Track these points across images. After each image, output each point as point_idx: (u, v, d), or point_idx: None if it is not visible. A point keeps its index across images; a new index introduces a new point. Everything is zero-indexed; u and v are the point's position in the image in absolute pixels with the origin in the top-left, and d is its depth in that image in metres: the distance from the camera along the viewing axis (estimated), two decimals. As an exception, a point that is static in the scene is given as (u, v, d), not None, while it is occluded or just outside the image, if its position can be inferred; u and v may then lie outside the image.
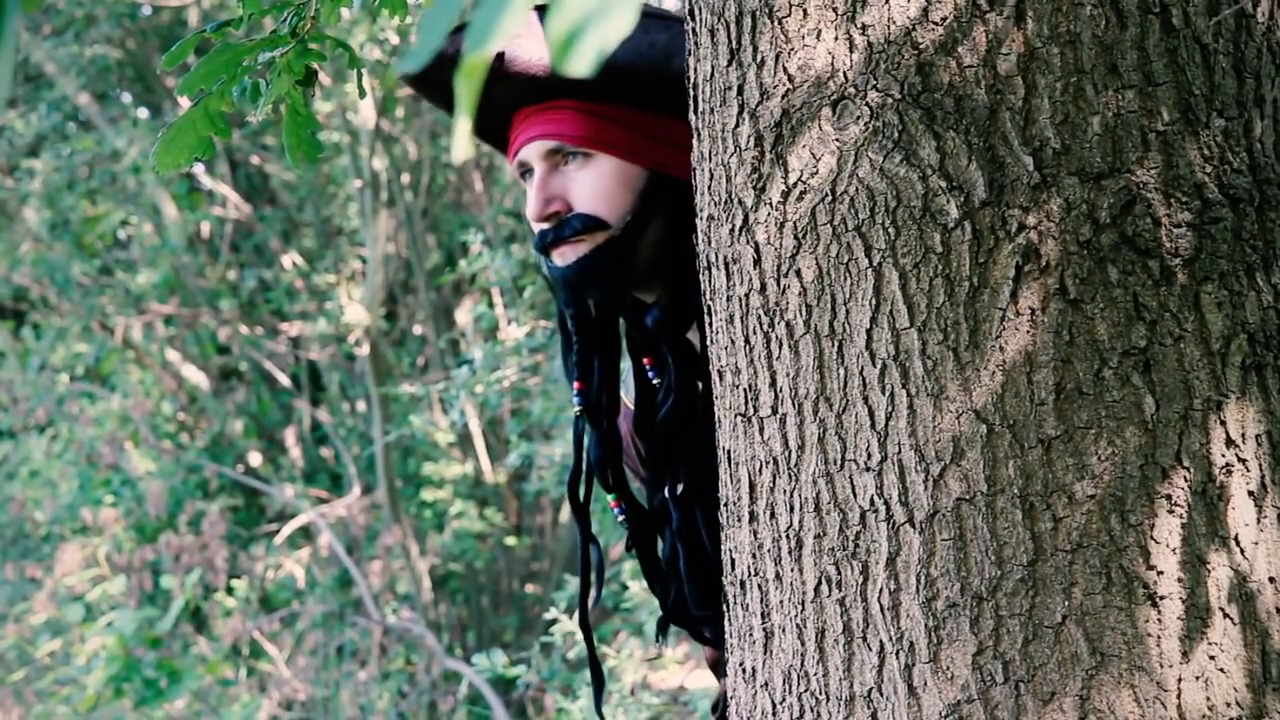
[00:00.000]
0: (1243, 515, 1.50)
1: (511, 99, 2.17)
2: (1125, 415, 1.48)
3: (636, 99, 2.05)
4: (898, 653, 1.53)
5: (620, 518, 2.23)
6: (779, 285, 1.61)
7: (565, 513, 9.02)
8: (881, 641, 1.54)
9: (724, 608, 1.77)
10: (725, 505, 1.74)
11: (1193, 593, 1.47)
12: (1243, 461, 1.50)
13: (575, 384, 2.19)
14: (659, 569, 2.23)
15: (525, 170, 2.19)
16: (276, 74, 2.08)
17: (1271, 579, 1.51)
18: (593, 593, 2.29)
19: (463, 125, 0.84)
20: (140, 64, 10.49)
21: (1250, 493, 1.51)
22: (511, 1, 0.82)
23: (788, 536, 1.62)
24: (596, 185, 2.11)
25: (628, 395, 2.37)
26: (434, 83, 2.17)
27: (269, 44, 2.07)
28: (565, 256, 2.12)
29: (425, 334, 9.59)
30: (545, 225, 2.12)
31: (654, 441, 2.17)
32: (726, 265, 1.69)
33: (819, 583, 1.58)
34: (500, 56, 2.10)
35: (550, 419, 6.65)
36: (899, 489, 1.53)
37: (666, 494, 2.18)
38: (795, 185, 1.59)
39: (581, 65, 0.81)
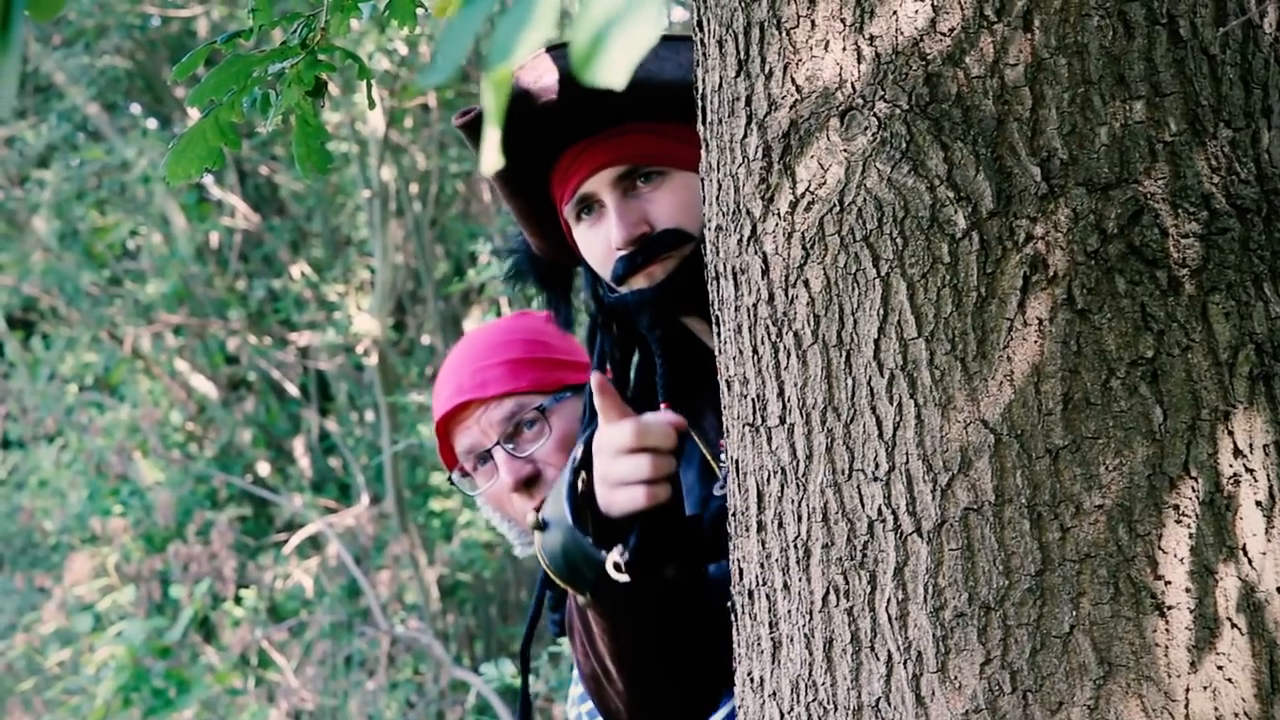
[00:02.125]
0: (1250, 525, 1.50)
1: (563, 134, 2.18)
2: (1133, 425, 1.48)
3: (687, 116, 2.06)
4: (905, 662, 1.53)
5: None
6: (787, 295, 1.62)
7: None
8: (889, 651, 1.54)
9: (731, 618, 1.77)
10: (733, 515, 1.74)
11: (1200, 603, 1.47)
12: (1250, 472, 1.51)
13: (663, 404, 2.19)
14: None
15: (586, 207, 2.20)
16: (286, 85, 2.09)
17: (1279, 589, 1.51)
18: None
19: (491, 135, 0.84)
20: (150, 75, 10.53)
21: (1258, 503, 1.51)
22: (534, 12, 0.82)
23: (795, 546, 1.62)
24: (676, 200, 2.14)
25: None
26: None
27: (279, 55, 2.08)
28: (654, 275, 2.14)
29: (434, 343, 9.60)
30: (631, 249, 2.13)
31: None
32: (734, 275, 1.69)
33: (827, 592, 1.59)
34: (563, 87, 2.11)
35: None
36: (907, 499, 1.53)
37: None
38: (803, 196, 1.60)
39: (608, 75, 0.81)
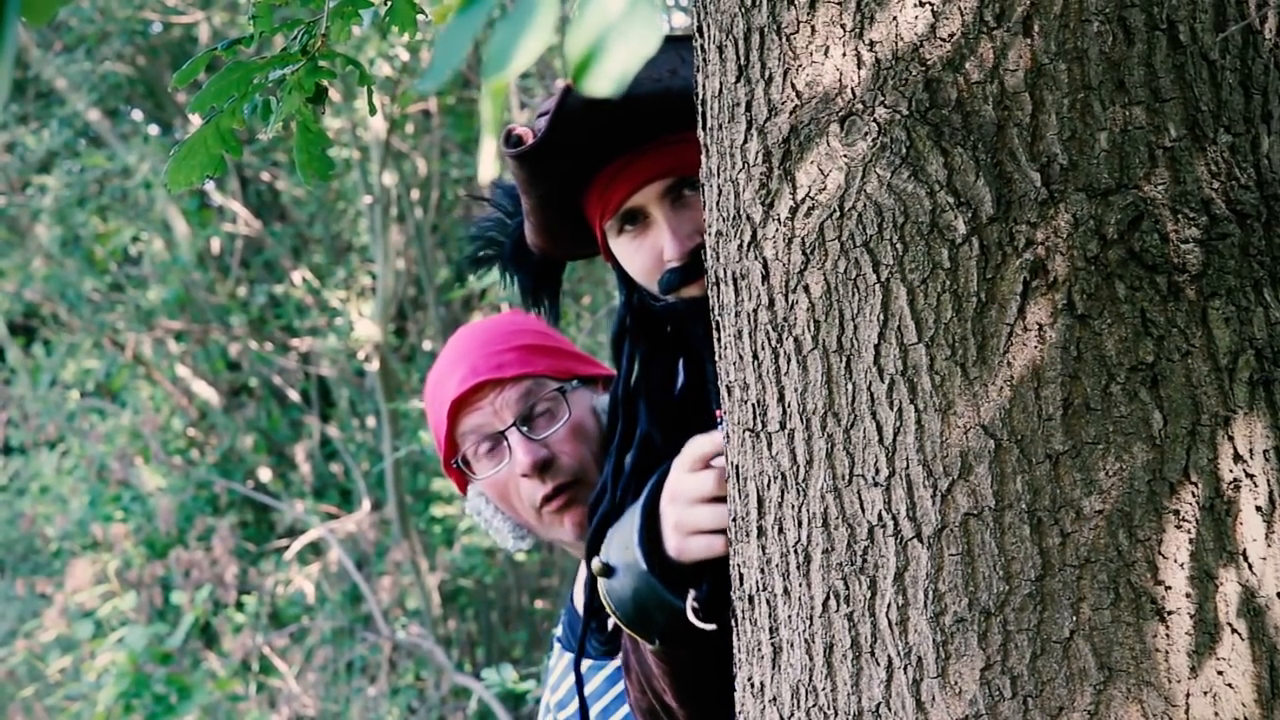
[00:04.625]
0: (1251, 530, 1.50)
1: (600, 152, 2.18)
2: (1133, 431, 1.48)
3: None
4: (905, 668, 1.53)
5: None
6: (787, 301, 1.62)
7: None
8: (889, 656, 1.54)
9: (731, 623, 1.77)
10: (734, 520, 1.74)
11: (1201, 608, 1.47)
12: (1250, 477, 1.51)
13: (719, 411, 2.19)
14: None
15: (631, 219, 2.20)
16: (287, 91, 2.08)
17: (1280, 594, 1.52)
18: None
19: (488, 145, 0.84)
20: (151, 81, 10.53)
21: (1258, 508, 1.51)
22: (533, 21, 0.83)
23: (796, 551, 1.62)
24: None
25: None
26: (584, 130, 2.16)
27: (280, 62, 2.08)
28: (705, 285, 2.14)
29: (435, 349, 9.59)
30: (687, 262, 2.13)
31: None
32: (735, 281, 1.69)
33: (827, 597, 1.59)
34: (620, 100, 2.11)
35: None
36: (907, 504, 1.53)
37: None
38: (803, 201, 1.60)
39: (602, 85, 0.81)
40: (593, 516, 2.31)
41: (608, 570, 2.06)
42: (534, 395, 2.50)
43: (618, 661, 2.41)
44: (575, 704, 2.52)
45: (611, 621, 2.23)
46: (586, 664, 2.47)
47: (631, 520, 2.05)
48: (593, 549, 2.30)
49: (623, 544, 2.05)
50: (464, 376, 2.52)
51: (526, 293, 2.45)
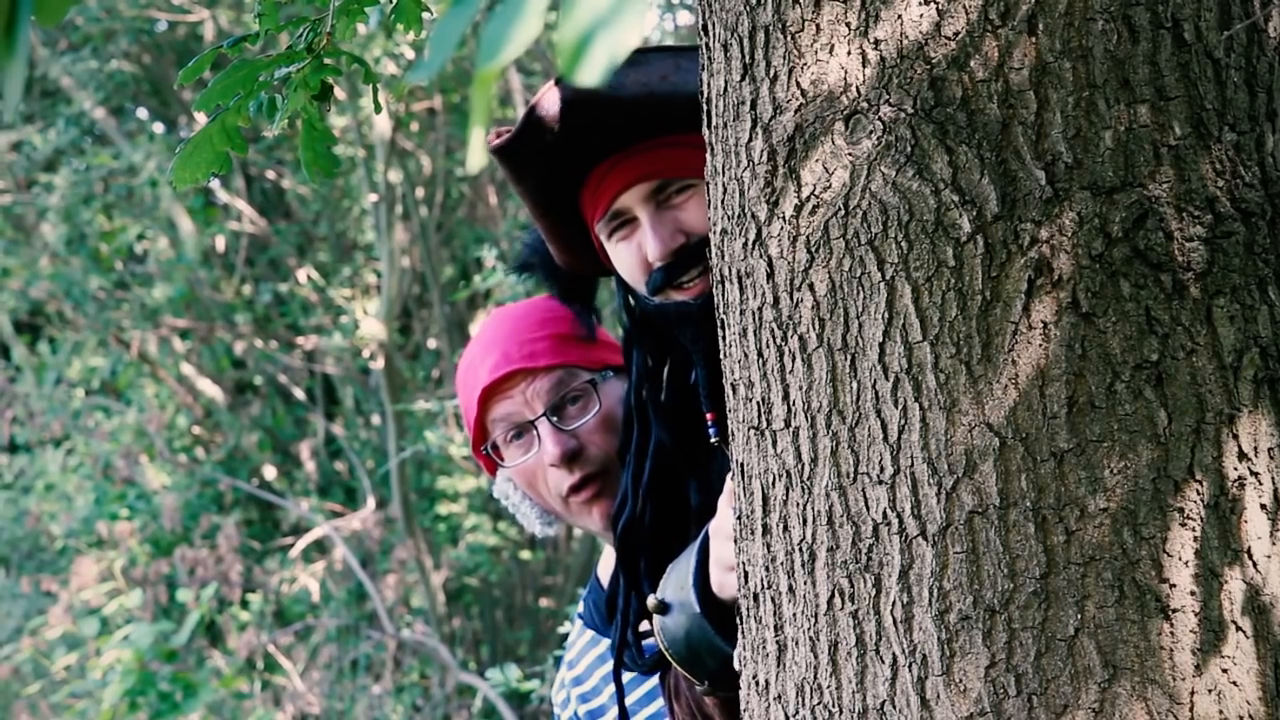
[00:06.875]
0: (1255, 528, 1.50)
1: (590, 152, 2.19)
2: (1138, 429, 1.48)
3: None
4: (910, 665, 1.53)
5: None
6: (792, 299, 1.62)
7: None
8: (894, 654, 1.54)
9: (737, 621, 1.77)
10: (739, 518, 1.74)
11: (1206, 606, 1.48)
12: (1255, 475, 1.51)
13: (709, 415, 2.18)
14: None
15: (619, 222, 2.21)
16: (292, 89, 2.09)
17: (1284, 592, 1.51)
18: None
19: (477, 135, 0.85)
20: (157, 79, 10.53)
21: (1263, 506, 1.51)
22: (524, 12, 0.83)
23: (800, 549, 1.62)
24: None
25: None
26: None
27: (285, 59, 2.08)
28: (694, 289, 2.14)
29: (440, 348, 9.60)
30: (670, 261, 2.14)
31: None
32: (740, 279, 1.69)
33: (832, 595, 1.59)
34: (601, 100, 2.11)
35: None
36: (912, 502, 1.53)
37: None
38: (808, 199, 1.60)
39: (591, 75, 0.82)
40: (616, 524, 2.32)
41: (663, 608, 2.06)
42: (565, 385, 2.50)
43: None
44: (600, 699, 2.53)
45: (652, 640, 2.24)
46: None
47: (688, 559, 2.05)
48: (626, 562, 2.30)
49: (679, 582, 2.06)
50: (496, 363, 2.52)
51: (573, 310, 2.48)
